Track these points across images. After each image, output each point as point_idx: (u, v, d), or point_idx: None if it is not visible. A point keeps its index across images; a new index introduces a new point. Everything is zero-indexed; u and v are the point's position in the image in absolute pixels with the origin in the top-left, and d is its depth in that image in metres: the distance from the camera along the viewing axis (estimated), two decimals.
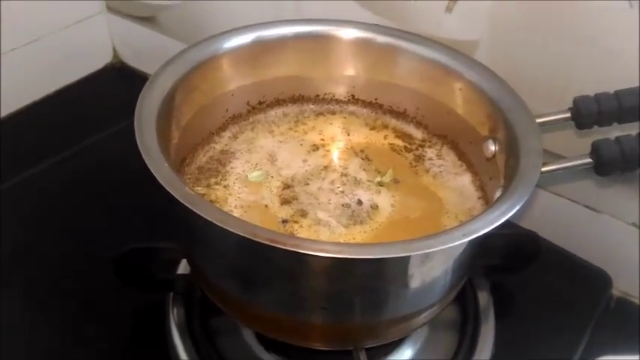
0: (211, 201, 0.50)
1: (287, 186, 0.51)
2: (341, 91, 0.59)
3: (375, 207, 0.50)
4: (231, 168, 0.53)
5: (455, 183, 0.53)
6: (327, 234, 0.48)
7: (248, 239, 0.37)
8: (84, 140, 0.71)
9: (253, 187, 0.51)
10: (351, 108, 0.59)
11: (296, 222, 0.48)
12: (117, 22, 0.79)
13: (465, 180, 0.53)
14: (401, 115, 0.58)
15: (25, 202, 0.64)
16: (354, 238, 0.47)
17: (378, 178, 0.53)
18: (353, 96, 0.59)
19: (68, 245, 0.60)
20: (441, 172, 0.54)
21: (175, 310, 0.53)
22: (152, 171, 0.41)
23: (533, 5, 0.54)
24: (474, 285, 0.56)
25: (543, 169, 0.45)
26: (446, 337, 0.54)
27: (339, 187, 0.52)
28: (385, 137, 0.57)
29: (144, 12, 0.78)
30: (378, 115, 0.59)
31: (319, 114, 0.59)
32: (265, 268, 0.42)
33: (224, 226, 0.38)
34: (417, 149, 0.56)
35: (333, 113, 0.59)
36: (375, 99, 0.59)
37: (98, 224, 0.62)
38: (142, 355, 0.52)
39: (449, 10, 0.59)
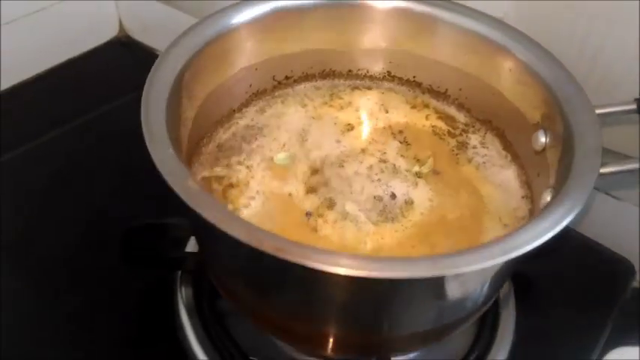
0: (231, 185, 0.44)
1: (315, 171, 0.46)
2: (376, 67, 0.52)
3: (409, 202, 0.44)
4: (257, 146, 0.47)
5: (499, 177, 0.46)
6: (353, 231, 0.42)
7: (250, 247, 0.32)
8: (87, 114, 0.66)
9: (278, 171, 0.46)
10: (388, 85, 0.53)
11: (321, 216, 0.43)
12: None
13: (510, 174, 0.46)
14: (441, 95, 0.51)
15: (28, 174, 0.61)
16: (382, 238, 0.42)
17: (417, 168, 0.46)
18: (389, 72, 0.52)
19: (74, 220, 0.57)
20: (484, 162, 0.47)
21: (183, 289, 0.49)
22: (152, 157, 0.36)
23: None
24: None
25: (602, 171, 0.38)
26: None
27: (376, 175, 0.46)
28: (427, 117, 0.50)
29: None
30: (417, 93, 0.52)
31: (354, 88, 0.53)
32: (274, 275, 0.37)
33: (226, 230, 0.32)
34: (460, 134, 0.49)
35: (370, 88, 0.53)
36: (414, 77, 0.52)
37: (104, 199, 0.58)
38: (149, 335, 0.49)
39: None
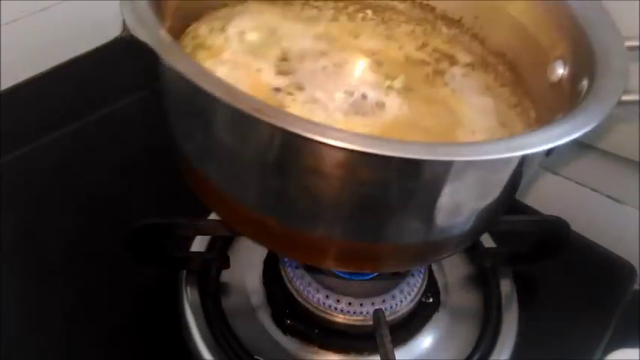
0: (202, 46, 0.41)
1: (285, 58, 0.42)
2: None
3: (381, 105, 0.40)
4: (236, 21, 0.43)
5: (477, 101, 0.43)
6: (322, 116, 0.38)
7: (226, 104, 0.27)
8: (90, 113, 0.63)
9: (250, 48, 0.42)
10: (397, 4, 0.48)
11: (290, 94, 0.39)
12: None
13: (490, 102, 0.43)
14: (455, 23, 0.47)
15: (30, 174, 0.58)
16: (352, 129, 0.38)
17: (388, 82, 0.42)
18: None
19: (79, 219, 0.54)
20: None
21: (189, 288, 0.47)
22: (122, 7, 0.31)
23: None
24: (497, 273, 0.51)
25: (624, 98, 0.34)
26: (468, 325, 0.49)
27: (347, 76, 0.42)
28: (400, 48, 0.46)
29: None
30: (428, 18, 0.48)
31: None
32: (248, 150, 0.32)
33: (197, 82, 0.28)
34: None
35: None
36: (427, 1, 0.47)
37: (108, 199, 0.55)
38: (154, 334, 0.47)
39: None
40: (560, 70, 0.40)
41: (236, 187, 0.35)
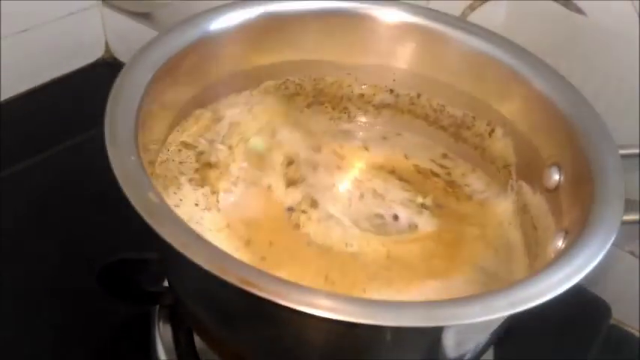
0: (210, 164, 0.40)
1: (291, 162, 0.42)
2: (378, 85, 0.47)
3: (414, 227, 0.40)
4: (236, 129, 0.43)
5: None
6: (338, 232, 0.38)
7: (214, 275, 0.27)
8: (71, 136, 0.62)
9: (255, 158, 0.42)
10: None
11: (304, 212, 0.39)
12: (111, 16, 0.72)
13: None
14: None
15: (5, 200, 0.56)
16: (367, 244, 0.38)
17: (420, 200, 0.42)
18: (391, 90, 0.47)
19: (49, 252, 0.52)
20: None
21: (161, 323, 0.45)
22: (111, 161, 0.31)
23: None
24: None
25: (625, 218, 0.33)
26: None
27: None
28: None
29: (140, 8, 0.69)
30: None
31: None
32: (240, 309, 0.31)
33: (187, 255, 0.27)
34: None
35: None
36: (418, 95, 0.46)
37: (81, 232, 0.54)
38: None
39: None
40: (556, 177, 0.39)
41: (228, 332, 0.34)
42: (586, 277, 0.48)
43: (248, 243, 0.38)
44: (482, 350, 0.35)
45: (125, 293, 0.44)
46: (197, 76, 0.40)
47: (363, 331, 0.28)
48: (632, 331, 0.53)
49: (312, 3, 0.43)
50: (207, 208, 0.39)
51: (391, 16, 0.44)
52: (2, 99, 0.65)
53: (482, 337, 0.33)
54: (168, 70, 0.38)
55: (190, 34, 0.40)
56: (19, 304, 0.49)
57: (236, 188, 0.40)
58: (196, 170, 0.41)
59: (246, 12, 0.41)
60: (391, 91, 0.47)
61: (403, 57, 0.45)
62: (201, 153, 0.41)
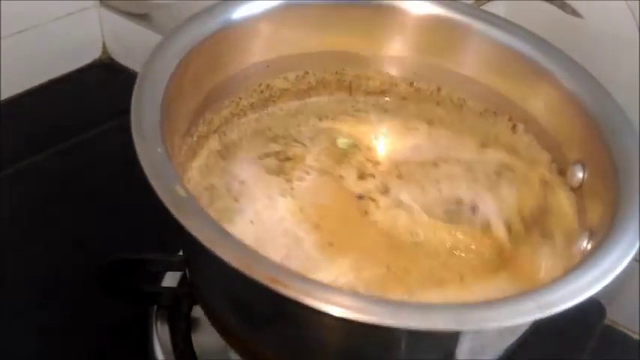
0: (287, 158, 0.41)
1: (377, 162, 0.42)
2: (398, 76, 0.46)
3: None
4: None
5: None
6: (405, 220, 0.39)
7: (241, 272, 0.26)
8: (68, 138, 0.62)
9: (335, 153, 0.43)
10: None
11: (373, 200, 0.40)
12: (109, 17, 0.71)
13: None
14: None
15: (5, 201, 0.56)
16: (434, 234, 0.38)
17: None
18: (411, 83, 0.46)
19: (50, 250, 0.52)
20: None
21: (159, 324, 0.45)
22: (138, 154, 0.30)
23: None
24: None
25: None
26: None
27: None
28: None
29: (138, 9, 0.68)
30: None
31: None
32: (266, 306, 0.31)
33: (213, 250, 0.27)
34: None
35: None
36: (438, 89, 0.46)
37: (81, 230, 0.54)
38: None
39: None
40: (580, 174, 0.38)
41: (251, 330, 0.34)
42: None
43: (317, 227, 0.39)
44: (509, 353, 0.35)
45: (124, 293, 0.44)
46: (219, 66, 0.40)
47: (382, 333, 0.28)
48: (627, 331, 0.54)
49: None
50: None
51: (415, 7, 0.43)
52: (0, 100, 0.65)
53: (509, 340, 0.33)
54: (192, 60, 0.37)
55: (212, 24, 0.39)
56: (17, 303, 0.49)
57: (309, 176, 0.41)
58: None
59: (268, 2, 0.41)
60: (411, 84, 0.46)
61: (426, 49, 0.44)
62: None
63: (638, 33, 0.40)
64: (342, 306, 0.25)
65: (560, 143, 0.40)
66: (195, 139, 0.40)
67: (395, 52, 0.45)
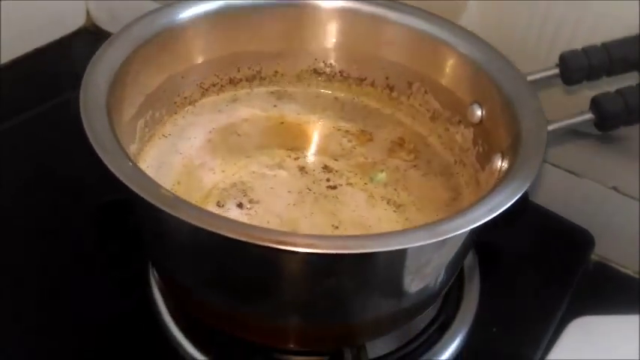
0: None
1: None
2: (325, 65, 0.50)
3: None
4: None
5: None
6: None
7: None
8: (53, 103, 0.60)
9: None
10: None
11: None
12: None
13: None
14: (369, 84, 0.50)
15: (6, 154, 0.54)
16: None
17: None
18: (340, 72, 0.50)
19: (50, 198, 0.51)
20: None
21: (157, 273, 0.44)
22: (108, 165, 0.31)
23: None
24: None
25: (549, 128, 0.38)
26: None
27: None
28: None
29: None
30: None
31: None
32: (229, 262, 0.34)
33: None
34: None
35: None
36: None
37: (74, 178, 0.52)
38: (123, 313, 0.44)
39: None
40: (478, 112, 0.43)
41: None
42: (571, 212, 0.53)
43: None
44: (447, 274, 0.39)
45: (117, 235, 0.44)
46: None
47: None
48: (617, 267, 0.54)
49: None
50: None
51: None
52: None
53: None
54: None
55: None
56: (18, 253, 0.47)
57: None
58: None
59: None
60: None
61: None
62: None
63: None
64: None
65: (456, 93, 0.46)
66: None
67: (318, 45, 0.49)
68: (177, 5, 0.42)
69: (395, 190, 0.45)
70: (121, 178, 0.30)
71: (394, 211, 0.43)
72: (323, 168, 0.46)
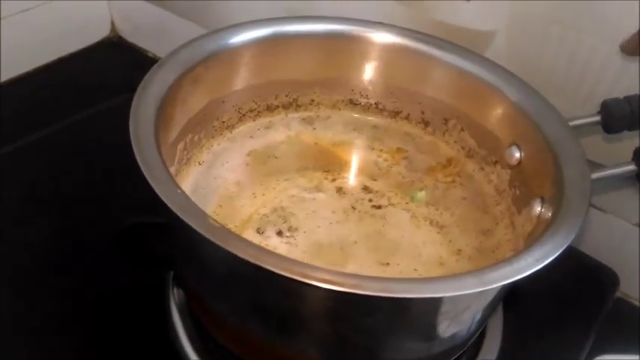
0: None
1: None
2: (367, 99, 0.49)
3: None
4: None
5: None
6: None
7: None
8: (76, 114, 0.60)
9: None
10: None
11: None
12: None
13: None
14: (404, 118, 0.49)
15: (15, 174, 0.54)
16: None
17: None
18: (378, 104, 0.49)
19: (63, 220, 0.51)
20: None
21: (175, 289, 0.44)
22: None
23: None
24: None
25: (593, 177, 0.37)
26: None
27: None
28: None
29: None
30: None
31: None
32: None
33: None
34: None
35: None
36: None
37: (94, 199, 0.52)
38: (141, 334, 0.44)
39: None
40: (517, 154, 0.42)
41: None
42: (594, 248, 0.52)
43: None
44: (481, 321, 0.38)
45: (139, 258, 0.44)
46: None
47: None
48: (634, 302, 0.53)
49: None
50: None
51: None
52: (8, 77, 0.62)
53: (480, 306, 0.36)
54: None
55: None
56: (33, 269, 0.46)
57: None
58: None
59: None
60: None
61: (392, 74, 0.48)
62: None
63: None
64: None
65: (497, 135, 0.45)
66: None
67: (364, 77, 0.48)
68: (225, 30, 0.42)
69: (437, 209, 0.45)
70: (171, 206, 0.29)
71: (437, 233, 0.43)
72: (363, 189, 0.46)
